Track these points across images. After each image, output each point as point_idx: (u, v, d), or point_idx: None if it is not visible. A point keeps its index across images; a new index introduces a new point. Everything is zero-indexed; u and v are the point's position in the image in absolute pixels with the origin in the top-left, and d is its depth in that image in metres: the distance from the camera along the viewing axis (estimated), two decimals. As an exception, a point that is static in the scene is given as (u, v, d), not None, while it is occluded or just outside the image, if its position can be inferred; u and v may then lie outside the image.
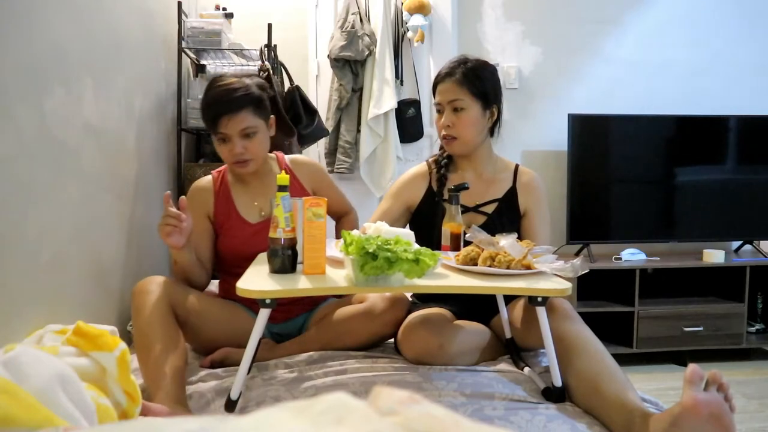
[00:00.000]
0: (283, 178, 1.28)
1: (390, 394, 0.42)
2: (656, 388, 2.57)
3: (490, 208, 1.74)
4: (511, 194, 1.75)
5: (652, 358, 3.01)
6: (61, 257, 1.50)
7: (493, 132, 1.79)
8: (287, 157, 1.84)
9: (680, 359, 2.99)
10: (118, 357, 1.05)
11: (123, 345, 1.07)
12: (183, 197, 1.54)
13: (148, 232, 2.21)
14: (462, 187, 1.59)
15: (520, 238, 1.71)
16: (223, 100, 1.62)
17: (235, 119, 1.62)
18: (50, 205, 1.45)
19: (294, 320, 1.73)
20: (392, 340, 1.66)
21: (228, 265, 1.75)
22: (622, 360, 2.80)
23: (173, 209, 1.47)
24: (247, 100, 1.64)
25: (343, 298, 1.72)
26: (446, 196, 1.69)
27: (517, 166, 1.80)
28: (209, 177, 1.78)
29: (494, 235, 1.36)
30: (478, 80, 1.69)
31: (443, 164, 1.78)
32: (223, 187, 1.75)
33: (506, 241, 1.31)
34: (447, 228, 1.54)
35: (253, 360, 1.42)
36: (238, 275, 1.73)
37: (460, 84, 1.68)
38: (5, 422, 0.72)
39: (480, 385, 1.36)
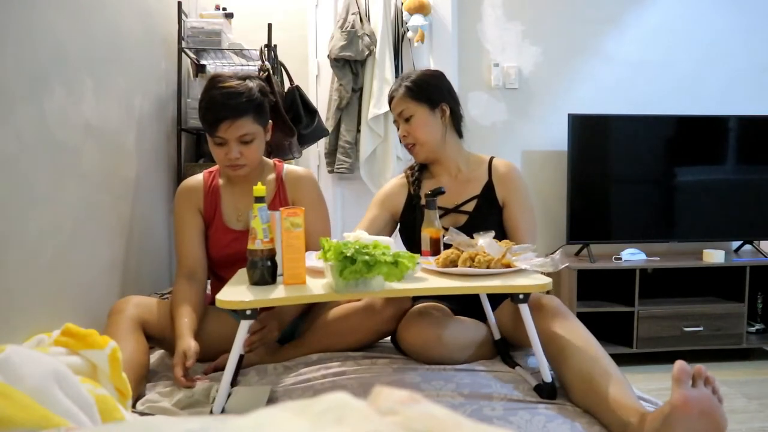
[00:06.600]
0: (260, 189, 1.25)
1: (390, 394, 0.42)
2: (656, 388, 2.56)
3: (470, 206, 1.76)
4: (488, 188, 1.77)
5: (652, 358, 3.00)
6: (61, 257, 1.50)
7: (460, 132, 1.84)
8: (285, 167, 1.78)
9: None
10: (110, 354, 1.05)
11: (113, 343, 1.07)
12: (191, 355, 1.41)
13: (148, 232, 2.21)
14: (438, 192, 1.60)
15: (503, 229, 1.73)
16: (226, 104, 1.57)
17: (235, 125, 1.58)
18: (50, 205, 1.45)
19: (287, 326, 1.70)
20: (390, 339, 1.67)
21: (212, 267, 1.76)
22: (622, 360, 2.80)
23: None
24: (249, 107, 1.59)
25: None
26: (424, 201, 1.70)
27: (491, 159, 1.82)
28: (199, 176, 1.77)
29: (477, 233, 1.37)
30: (417, 86, 1.77)
31: (417, 172, 1.84)
32: (213, 188, 1.74)
33: (484, 241, 1.32)
34: (426, 233, 1.54)
35: (237, 373, 1.42)
36: (221, 279, 1.74)
37: (403, 96, 1.78)
38: (2, 424, 0.72)
39: (478, 386, 1.36)
